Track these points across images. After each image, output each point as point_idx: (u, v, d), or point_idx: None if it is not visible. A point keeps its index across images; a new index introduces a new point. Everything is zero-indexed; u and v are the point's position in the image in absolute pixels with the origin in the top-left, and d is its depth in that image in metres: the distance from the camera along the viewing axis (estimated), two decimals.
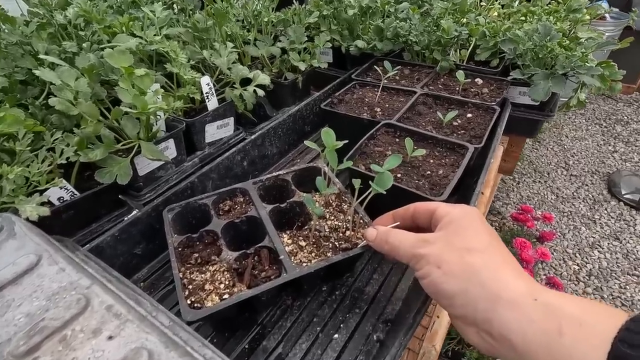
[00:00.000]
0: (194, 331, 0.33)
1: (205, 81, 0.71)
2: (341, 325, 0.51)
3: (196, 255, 0.51)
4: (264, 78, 0.77)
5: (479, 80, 0.89)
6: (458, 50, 0.99)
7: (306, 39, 0.92)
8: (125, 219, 0.60)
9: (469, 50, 0.98)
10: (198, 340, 0.32)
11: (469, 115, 0.75)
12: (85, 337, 0.29)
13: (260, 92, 0.77)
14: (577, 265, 1.85)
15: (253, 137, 0.75)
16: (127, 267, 0.57)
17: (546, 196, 2.24)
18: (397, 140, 0.68)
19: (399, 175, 0.59)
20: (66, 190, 0.54)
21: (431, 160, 0.63)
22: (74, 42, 0.68)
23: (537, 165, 2.48)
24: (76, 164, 0.57)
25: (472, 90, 0.85)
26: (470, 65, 0.96)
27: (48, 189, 0.49)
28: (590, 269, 1.82)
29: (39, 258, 0.36)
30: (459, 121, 0.74)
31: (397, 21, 0.98)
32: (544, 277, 1.74)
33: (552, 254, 1.89)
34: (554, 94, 0.82)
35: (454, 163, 0.62)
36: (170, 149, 0.67)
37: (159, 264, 0.60)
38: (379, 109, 0.78)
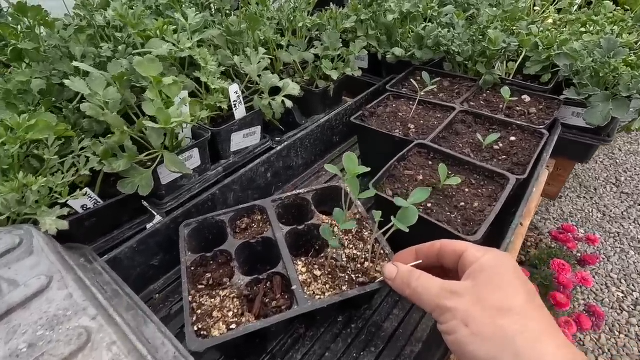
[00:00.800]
0: None
1: (234, 89, 0.70)
2: None
3: (209, 275, 0.50)
4: (293, 88, 0.75)
5: (526, 98, 0.81)
6: (505, 63, 0.91)
7: (341, 45, 0.88)
8: (147, 227, 0.61)
9: (518, 63, 0.89)
10: None
11: (513, 138, 0.69)
12: None
13: (289, 103, 0.75)
14: (622, 292, 1.70)
15: (279, 148, 0.73)
16: (144, 277, 0.57)
17: (591, 214, 2.07)
18: (431, 163, 0.64)
19: (429, 205, 0.55)
20: (90, 199, 0.55)
21: (466, 190, 0.58)
22: (111, 45, 0.69)
23: (583, 180, 2.29)
24: (101, 172, 0.57)
25: (518, 109, 0.78)
26: (518, 79, 0.88)
27: (70, 200, 0.50)
28: (636, 298, 1.67)
29: (49, 280, 0.36)
30: (501, 145, 0.68)
31: (439, 29, 0.91)
32: (583, 302, 1.62)
33: (594, 277, 1.75)
34: (613, 118, 0.73)
35: (492, 194, 0.57)
36: (194, 158, 0.66)
37: (175, 275, 0.60)
38: (412, 126, 0.73)
